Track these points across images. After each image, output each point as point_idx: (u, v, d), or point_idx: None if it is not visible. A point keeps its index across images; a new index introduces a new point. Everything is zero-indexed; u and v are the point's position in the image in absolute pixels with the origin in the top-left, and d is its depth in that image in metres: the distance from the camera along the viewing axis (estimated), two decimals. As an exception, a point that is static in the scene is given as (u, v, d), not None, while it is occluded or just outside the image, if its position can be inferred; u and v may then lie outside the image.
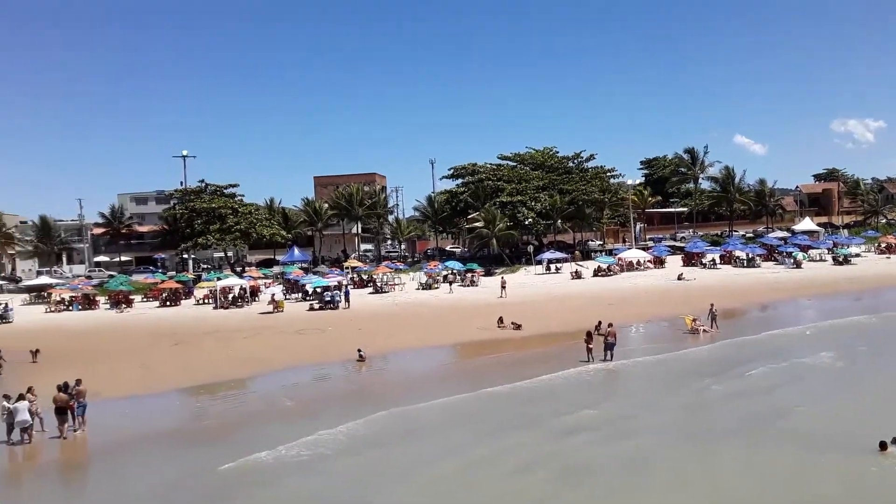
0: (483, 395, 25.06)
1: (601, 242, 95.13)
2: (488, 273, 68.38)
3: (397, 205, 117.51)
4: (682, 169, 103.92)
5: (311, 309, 52.66)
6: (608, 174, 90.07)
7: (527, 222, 78.01)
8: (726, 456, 17.72)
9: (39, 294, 66.09)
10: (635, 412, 22.31)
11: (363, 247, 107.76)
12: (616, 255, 74.66)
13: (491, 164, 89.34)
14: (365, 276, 68.78)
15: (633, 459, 17.82)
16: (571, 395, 24.72)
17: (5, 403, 21.57)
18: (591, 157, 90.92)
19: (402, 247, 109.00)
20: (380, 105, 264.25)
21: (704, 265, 70.46)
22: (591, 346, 29.54)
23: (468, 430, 21.01)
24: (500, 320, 40.00)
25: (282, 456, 18.89)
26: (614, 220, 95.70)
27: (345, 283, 60.52)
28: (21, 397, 21.44)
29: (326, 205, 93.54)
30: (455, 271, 67.69)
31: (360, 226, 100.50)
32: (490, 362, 31.91)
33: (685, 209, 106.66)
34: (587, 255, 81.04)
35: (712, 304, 36.89)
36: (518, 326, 38.93)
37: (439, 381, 28.66)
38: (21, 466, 20.44)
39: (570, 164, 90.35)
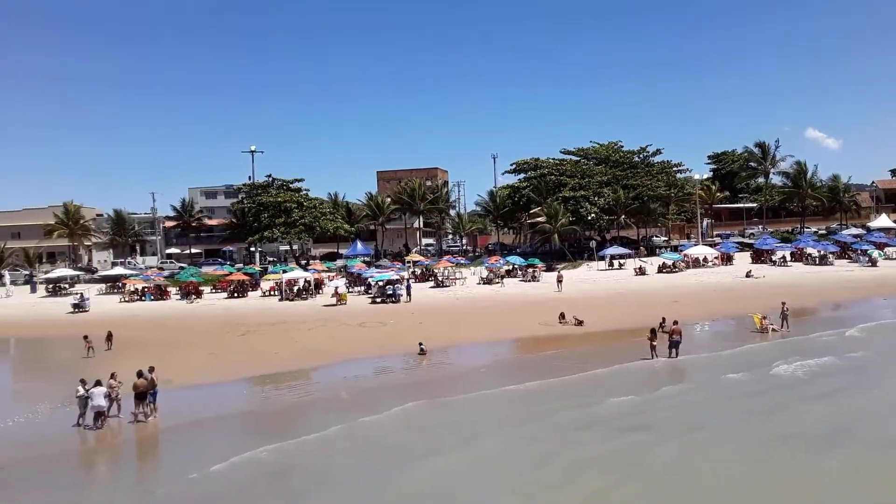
0: (544, 388, 25.02)
1: (666, 238, 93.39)
2: (550, 268, 67.96)
3: (459, 199, 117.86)
4: (752, 163, 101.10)
5: (373, 302, 53.33)
6: (675, 169, 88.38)
7: (589, 217, 77.23)
8: (785, 461, 17.23)
9: (114, 284, 68.67)
10: (697, 412, 21.90)
11: (424, 241, 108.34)
12: (682, 251, 73.21)
13: (554, 158, 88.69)
14: (426, 270, 69.17)
15: (687, 460, 17.54)
16: (632, 392, 24.38)
17: (80, 388, 22.57)
18: (658, 152, 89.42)
19: (464, 241, 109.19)
20: (442, 100, 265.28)
21: (774, 263, 68.48)
22: (654, 343, 29.12)
23: (533, 426, 20.91)
24: (562, 316, 39.73)
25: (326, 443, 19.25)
26: (680, 215, 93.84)
27: (406, 276, 61.04)
28: (98, 383, 22.36)
29: (389, 199, 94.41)
30: (516, 266, 67.54)
31: (421, 220, 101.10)
32: (550, 358, 31.73)
33: (754, 205, 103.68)
34: (651, 251, 79.76)
35: (784, 303, 35.81)
36: (580, 322, 38.61)
37: (499, 375, 28.60)
38: (93, 449, 21.35)
39: (636, 159, 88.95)
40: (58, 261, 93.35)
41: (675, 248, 77.97)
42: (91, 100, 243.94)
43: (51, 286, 69.99)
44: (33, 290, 70.67)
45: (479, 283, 62.96)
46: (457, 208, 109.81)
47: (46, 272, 77.79)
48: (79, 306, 56.22)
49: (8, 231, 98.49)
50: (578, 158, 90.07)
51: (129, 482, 18.05)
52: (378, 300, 53.58)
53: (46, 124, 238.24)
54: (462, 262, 74.68)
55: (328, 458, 18.63)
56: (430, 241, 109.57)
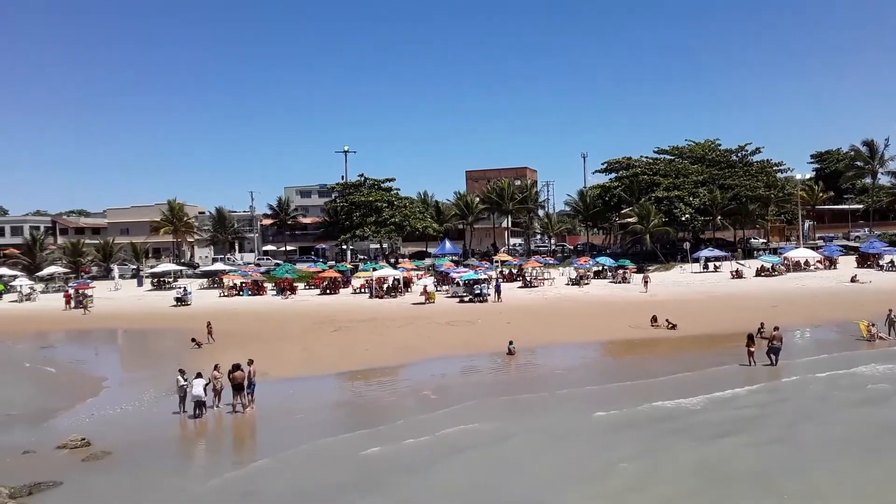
0: (633, 391, 24.50)
1: (765, 240, 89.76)
2: (641, 270, 66.50)
3: (548, 199, 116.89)
4: (859, 163, 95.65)
5: (462, 301, 53.61)
6: (775, 168, 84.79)
7: (683, 218, 75.02)
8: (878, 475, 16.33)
9: (214, 279, 71.60)
10: (795, 420, 21.03)
11: (513, 241, 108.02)
12: (781, 254, 70.18)
13: (646, 157, 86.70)
14: (514, 270, 68.97)
15: (771, 469, 16.87)
16: (727, 398, 23.59)
17: (180, 378, 23.67)
18: (757, 151, 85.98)
19: (552, 241, 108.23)
20: (532, 99, 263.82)
21: (882, 267, 64.71)
22: (752, 349, 28.09)
23: (627, 434, 20.57)
24: (654, 319, 38.84)
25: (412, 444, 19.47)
26: (780, 216, 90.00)
27: (495, 276, 61.04)
28: (199, 375, 23.38)
29: (478, 199, 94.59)
30: (606, 267, 66.48)
31: (510, 220, 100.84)
32: (642, 361, 31.08)
33: (860, 206, 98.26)
34: (749, 253, 76.86)
35: (891, 310, 33.89)
36: (673, 326, 37.66)
37: (589, 378, 28.24)
38: (192, 436, 22.35)
39: (734, 158, 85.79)
40: (162, 256, 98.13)
41: (775, 251, 74.82)
42: (197, 105, 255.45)
43: (156, 280, 73.68)
44: (140, 283, 74.59)
45: (568, 284, 62.29)
46: (545, 208, 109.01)
47: (152, 267, 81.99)
48: (181, 300, 58.96)
49: (118, 227, 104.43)
50: (673, 157, 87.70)
51: (220, 467, 18.75)
52: (466, 299, 53.82)
53: (156, 129, 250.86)
54: (550, 262, 74.03)
55: (413, 455, 18.82)
56: (519, 240, 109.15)
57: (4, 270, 78.14)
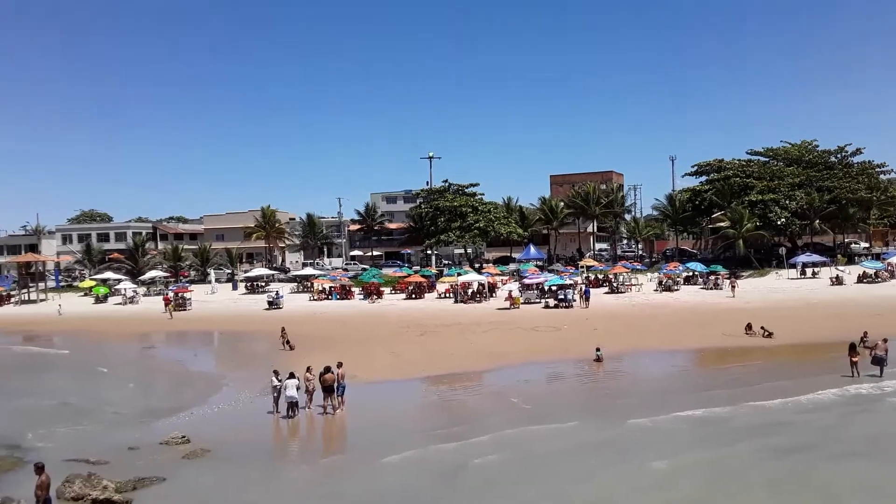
0: (728, 402, 23.70)
1: (867, 245, 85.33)
2: (734, 276, 64.33)
3: (635, 203, 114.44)
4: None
5: (547, 307, 53.24)
6: (877, 170, 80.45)
7: (779, 223, 72.09)
8: None
9: (304, 284, 73.56)
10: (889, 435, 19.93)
11: (598, 246, 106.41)
12: (885, 259, 66.57)
13: (739, 160, 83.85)
14: (600, 276, 68.00)
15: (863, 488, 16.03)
16: (831, 413, 22.54)
17: (274, 379, 24.44)
18: (858, 152, 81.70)
19: (639, 246, 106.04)
20: (617, 102, 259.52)
21: None
22: (855, 359, 26.76)
23: (720, 449, 19.93)
24: (749, 326, 37.51)
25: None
26: (883, 220, 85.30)
27: (581, 282, 60.34)
28: (291, 375, 24.09)
29: (562, 203, 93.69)
30: (696, 273, 64.69)
31: (595, 224, 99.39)
32: (736, 370, 30.08)
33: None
34: (850, 258, 73.22)
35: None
36: (769, 334, 36.26)
37: (680, 387, 27.60)
38: (284, 435, 23.06)
39: (833, 159, 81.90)
40: (255, 261, 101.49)
41: (878, 257, 71.04)
42: (287, 116, 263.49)
43: (249, 284, 76.30)
44: (234, 287, 77.39)
45: (657, 290, 60.91)
46: (632, 212, 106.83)
47: (246, 271, 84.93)
48: (273, 303, 60.82)
49: (214, 233, 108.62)
50: (767, 159, 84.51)
51: (312, 467, 19.25)
52: (551, 305, 53.42)
53: (250, 139, 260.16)
54: (638, 267, 72.53)
55: (493, 462, 18.76)
56: (604, 245, 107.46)
57: (110, 274, 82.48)
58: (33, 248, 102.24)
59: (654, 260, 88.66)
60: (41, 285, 78.64)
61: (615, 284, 63.07)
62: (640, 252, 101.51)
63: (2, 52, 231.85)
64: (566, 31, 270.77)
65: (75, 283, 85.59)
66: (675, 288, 61.04)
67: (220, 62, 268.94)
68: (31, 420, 25.01)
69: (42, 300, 74.66)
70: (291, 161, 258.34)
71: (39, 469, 14.75)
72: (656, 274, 67.31)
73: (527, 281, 59.15)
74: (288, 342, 38.53)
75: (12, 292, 77.67)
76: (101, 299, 72.22)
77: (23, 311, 69.50)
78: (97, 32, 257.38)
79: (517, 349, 36.54)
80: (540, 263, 79.38)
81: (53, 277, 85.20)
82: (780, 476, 17.05)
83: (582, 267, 71.68)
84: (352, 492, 17.13)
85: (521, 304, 54.58)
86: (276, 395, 24.32)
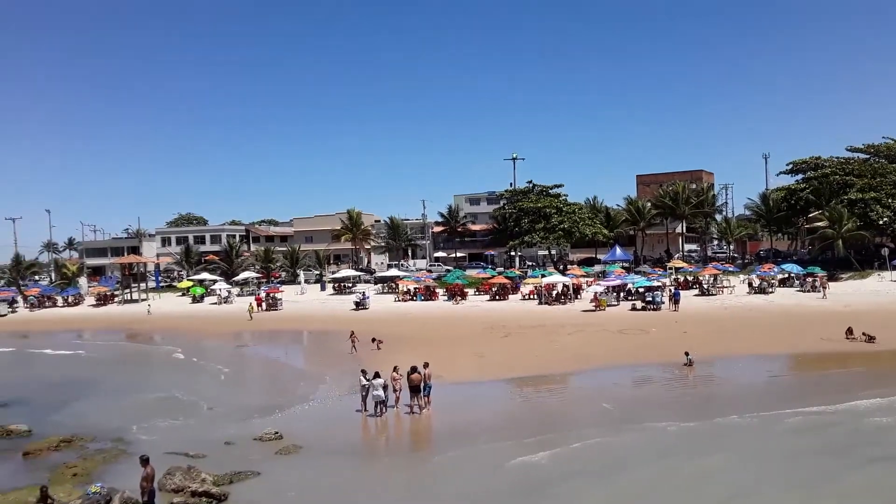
0: (840, 414, 22.70)
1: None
2: (832, 278, 61.44)
3: (726, 203, 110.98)
4: None
5: (633, 309, 52.26)
6: None
7: (881, 222, 68.40)
8: None
9: (389, 285, 74.65)
10: None
11: (687, 247, 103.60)
12: None
13: (837, 157, 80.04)
14: (690, 278, 66.22)
15: None
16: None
17: (362, 378, 24.93)
18: (968, 146, 76.75)
19: (731, 248, 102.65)
20: (707, 99, 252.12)
21: None
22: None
23: (832, 464, 19.14)
24: (849, 331, 35.76)
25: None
26: None
27: (669, 284, 58.95)
28: (377, 375, 24.50)
29: (649, 203, 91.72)
30: (792, 275, 62.14)
31: (684, 225, 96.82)
32: (836, 377, 28.74)
33: None
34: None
35: None
36: (871, 339, 34.46)
37: (777, 394, 26.57)
38: (372, 433, 23.47)
39: (942, 155, 77.13)
40: (342, 262, 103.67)
41: None
42: (372, 120, 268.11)
43: (337, 285, 78.04)
44: (322, 288, 79.32)
45: (750, 293, 58.83)
46: (724, 212, 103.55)
47: (333, 272, 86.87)
48: (360, 304, 62.00)
49: (303, 235, 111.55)
50: (868, 156, 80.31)
51: (400, 466, 19.51)
52: (638, 307, 52.41)
53: (335, 143, 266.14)
54: (730, 269, 70.17)
55: (585, 469, 18.57)
56: (694, 246, 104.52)
57: (206, 275, 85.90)
58: (135, 251, 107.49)
59: (746, 261, 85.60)
60: (142, 285, 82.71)
61: (706, 286, 61.30)
62: (732, 253, 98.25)
63: (107, 60, 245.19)
64: (653, 25, 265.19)
65: (174, 284, 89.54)
66: (770, 290, 58.82)
67: (310, 71, 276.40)
68: (135, 414, 26.36)
69: (143, 300, 78.48)
70: (377, 164, 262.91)
71: (145, 461, 15.53)
72: (750, 276, 65.01)
73: (604, 283, 58.16)
74: (378, 341, 39.16)
75: (116, 292, 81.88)
76: (197, 299, 75.38)
77: (122, 310, 73.11)
78: (198, 35, 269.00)
79: (603, 352, 36.04)
80: (626, 265, 78.01)
81: (154, 278, 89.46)
82: (868, 484, 16.31)
83: (670, 268, 70.01)
84: (440, 491, 17.29)
85: (607, 306, 53.74)
86: (364, 393, 24.80)
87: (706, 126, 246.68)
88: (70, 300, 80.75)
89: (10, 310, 74.78)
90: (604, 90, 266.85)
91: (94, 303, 78.78)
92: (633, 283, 57.73)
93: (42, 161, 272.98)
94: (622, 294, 58.24)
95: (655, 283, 55.93)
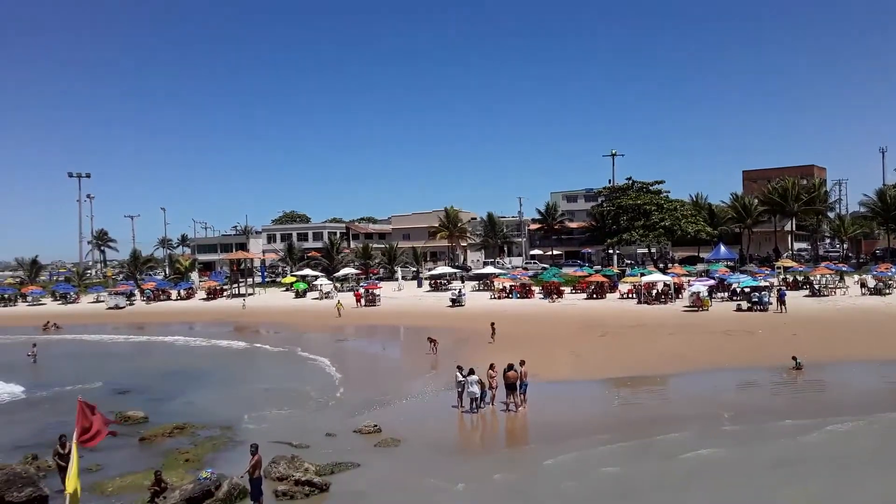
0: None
1: None
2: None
3: (840, 200, 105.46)
4: None
5: (738, 309, 50.39)
6: None
7: None
8: None
9: (485, 282, 74.81)
10: None
11: (797, 245, 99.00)
12: None
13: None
14: (800, 278, 63.23)
15: None
16: None
17: (458, 375, 25.14)
18: None
19: (844, 246, 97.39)
20: (818, 91, 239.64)
21: None
22: None
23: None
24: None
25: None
26: None
27: (777, 284, 56.53)
28: (471, 372, 24.61)
29: (756, 200, 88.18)
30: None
31: (794, 223, 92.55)
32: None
33: None
34: None
35: None
36: None
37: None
38: (467, 429, 23.61)
39: None
40: (439, 259, 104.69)
41: None
42: (468, 118, 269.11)
43: (433, 282, 78.88)
44: (419, 285, 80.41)
45: (865, 294, 55.65)
46: (836, 209, 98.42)
47: (430, 269, 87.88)
48: (456, 301, 62.45)
49: (400, 233, 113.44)
50: None
51: (496, 463, 19.50)
52: (744, 307, 50.48)
53: (434, 141, 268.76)
54: (843, 269, 66.59)
55: (674, 479, 18.03)
56: (804, 245, 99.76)
57: (308, 271, 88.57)
58: (242, 247, 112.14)
59: (861, 261, 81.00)
60: (249, 280, 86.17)
61: (817, 287, 58.40)
62: (846, 252, 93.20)
63: (220, 67, 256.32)
64: (760, 11, 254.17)
65: (278, 279, 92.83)
66: (887, 292, 55.45)
67: (412, 74, 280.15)
68: (244, 404, 27.50)
69: (250, 294, 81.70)
70: (474, 161, 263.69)
71: (254, 450, 16.22)
72: (865, 276, 61.48)
73: (698, 282, 56.27)
74: (496, 336, 39.30)
75: (225, 286, 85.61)
76: (300, 294, 77.85)
77: (228, 304, 76.13)
78: (308, 40, 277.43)
79: (705, 353, 34.98)
80: (731, 264, 75.33)
81: (260, 273, 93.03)
82: None
83: (778, 268, 67.13)
84: (535, 491, 17.24)
85: (710, 306, 52.02)
86: (459, 389, 25.02)
87: (818, 119, 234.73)
88: (182, 294, 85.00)
89: (127, 302, 79.35)
90: (708, 83, 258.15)
91: (205, 296, 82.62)
92: (739, 283, 55.66)
93: (158, 162, 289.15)
94: (727, 294, 56.33)
95: (762, 283, 53.73)
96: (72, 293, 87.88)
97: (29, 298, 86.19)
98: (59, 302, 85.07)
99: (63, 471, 16.79)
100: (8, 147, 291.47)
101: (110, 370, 37.32)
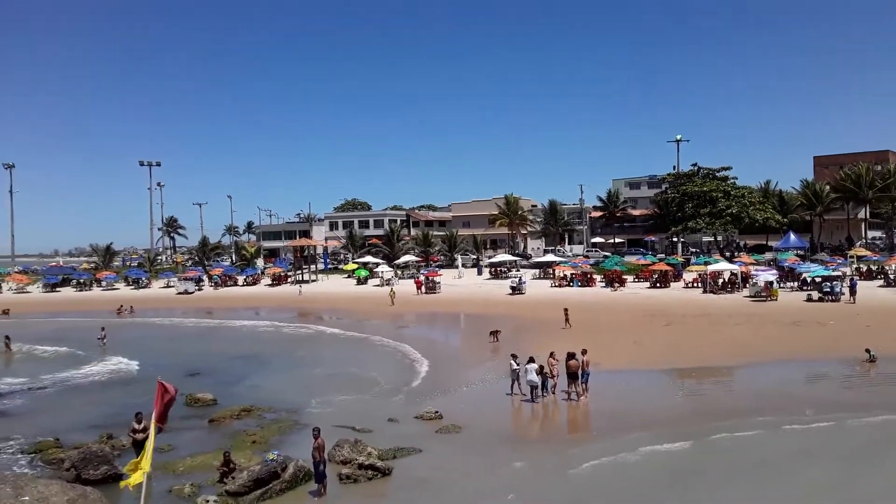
0: None
1: None
2: None
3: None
4: None
5: (809, 300, 48.86)
6: None
7: None
8: None
9: (545, 270, 74.34)
10: None
11: (871, 234, 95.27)
12: None
13: None
14: (874, 267, 60.87)
15: None
16: None
17: (512, 363, 25.14)
18: None
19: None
20: (891, 72, 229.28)
21: None
22: None
23: None
24: None
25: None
26: None
27: (850, 273, 54.56)
28: (531, 360, 24.50)
29: (828, 187, 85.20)
30: None
31: (867, 210, 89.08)
32: None
33: None
34: None
35: None
36: None
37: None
38: (525, 418, 23.58)
39: None
40: (499, 247, 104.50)
41: None
42: (527, 104, 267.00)
43: (493, 269, 78.79)
44: (479, 272, 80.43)
45: (946, 285, 53.27)
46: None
47: (490, 257, 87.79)
48: (516, 289, 62.27)
49: (460, 220, 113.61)
50: None
51: (557, 453, 19.37)
52: (814, 297, 48.89)
53: (493, 127, 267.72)
54: (921, 258, 63.77)
55: (743, 471, 17.59)
56: (879, 233, 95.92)
57: (369, 258, 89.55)
58: (306, 234, 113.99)
59: (942, 250, 77.44)
60: (312, 267, 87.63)
61: (892, 277, 56.14)
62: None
63: (283, 62, 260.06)
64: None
65: (340, 266, 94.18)
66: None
67: (475, 62, 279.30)
68: (308, 388, 28.11)
69: (313, 280, 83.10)
70: (534, 149, 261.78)
71: (317, 433, 16.55)
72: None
73: (760, 271, 54.69)
74: (570, 322, 39.45)
75: (289, 273, 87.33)
76: (362, 281, 78.80)
77: (292, 290, 77.54)
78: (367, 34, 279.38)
79: (774, 344, 34.08)
80: (801, 252, 73.04)
81: (322, 260, 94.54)
82: None
83: (851, 257, 64.77)
84: (596, 481, 17.08)
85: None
86: (514, 377, 25.05)
87: (894, 103, 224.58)
88: (248, 280, 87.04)
89: (196, 287, 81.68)
90: (777, 66, 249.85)
91: (270, 283, 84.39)
92: (810, 272, 53.93)
93: (225, 151, 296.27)
94: (796, 284, 54.68)
95: (834, 273, 51.93)
96: (143, 278, 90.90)
97: (103, 283, 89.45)
98: (132, 287, 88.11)
99: (137, 445, 17.47)
100: (85, 138, 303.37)
101: (180, 353, 38.57)
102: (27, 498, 8.89)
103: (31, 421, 24.43)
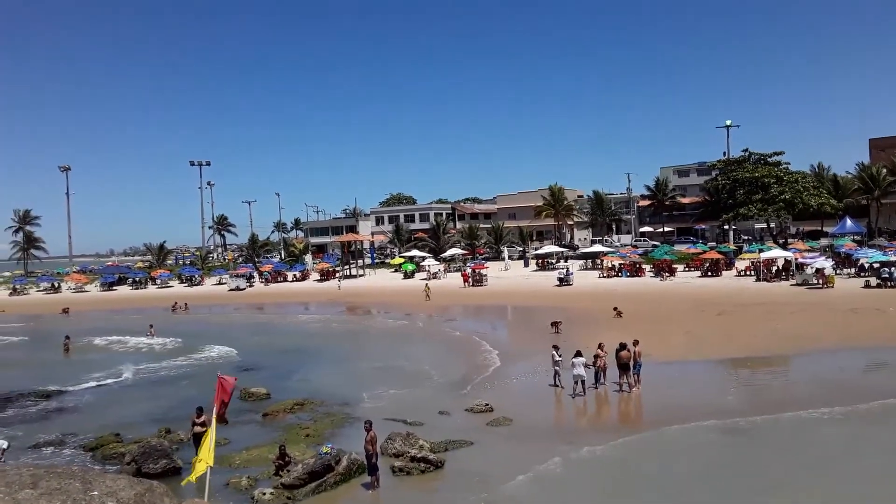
0: None
1: None
2: None
3: None
4: None
5: (867, 286, 47.48)
6: None
7: None
8: None
9: (593, 261, 73.68)
10: None
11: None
12: None
13: None
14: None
15: None
16: None
17: (555, 354, 25.13)
18: None
19: None
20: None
21: None
22: None
23: None
24: None
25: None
26: None
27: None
28: (578, 353, 24.22)
29: (885, 170, 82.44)
30: None
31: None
32: None
33: None
34: None
35: None
36: None
37: None
38: (574, 410, 23.40)
39: None
40: (545, 238, 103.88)
41: None
42: (576, 91, 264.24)
43: (540, 261, 78.40)
44: (526, 264, 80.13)
45: None
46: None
47: (536, 249, 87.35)
48: (563, 280, 61.85)
49: (506, 212, 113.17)
50: None
51: (605, 443, 19.10)
52: (873, 284, 47.47)
53: (540, 118, 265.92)
54: None
55: (806, 462, 17.27)
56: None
57: (415, 252, 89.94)
58: (352, 229, 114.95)
59: None
60: (359, 262, 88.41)
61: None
62: None
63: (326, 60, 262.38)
64: None
65: (387, 260, 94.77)
66: None
67: (514, 51, 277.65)
68: (360, 381, 28.40)
69: (360, 275, 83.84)
70: (580, 138, 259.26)
71: (368, 426, 16.72)
72: None
73: (810, 257, 53.33)
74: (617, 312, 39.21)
75: (337, 268, 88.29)
76: (409, 275, 79.20)
77: (331, 285, 78.43)
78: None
79: (831, 332, 33.26)
80: (858, 238, 70.92)
81: (369, 255, 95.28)
82: None
83: (911, 241, 62.66)
84: (648, 473, 16.91)
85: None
86: (557, 368, 25.02)
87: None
88: (297, 276, 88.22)
89: (247, 284, 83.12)
90: (828, 46, 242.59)
91: (318, 278, 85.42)
92: (868, 258, 52.37)
93: (273, 150, 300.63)
94: (854, 270, 53.17)
95: (893, 258, 50.31)
96: (196, 276, 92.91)
97: (158, 281, 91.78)
98: (185, 284, 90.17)
99: (196, 439, 17.90)
100: (138, 140, 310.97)
101: (234, 348, 39.31)
102: (96, 492, 9.14)
103: (92, 416, 25.16)
